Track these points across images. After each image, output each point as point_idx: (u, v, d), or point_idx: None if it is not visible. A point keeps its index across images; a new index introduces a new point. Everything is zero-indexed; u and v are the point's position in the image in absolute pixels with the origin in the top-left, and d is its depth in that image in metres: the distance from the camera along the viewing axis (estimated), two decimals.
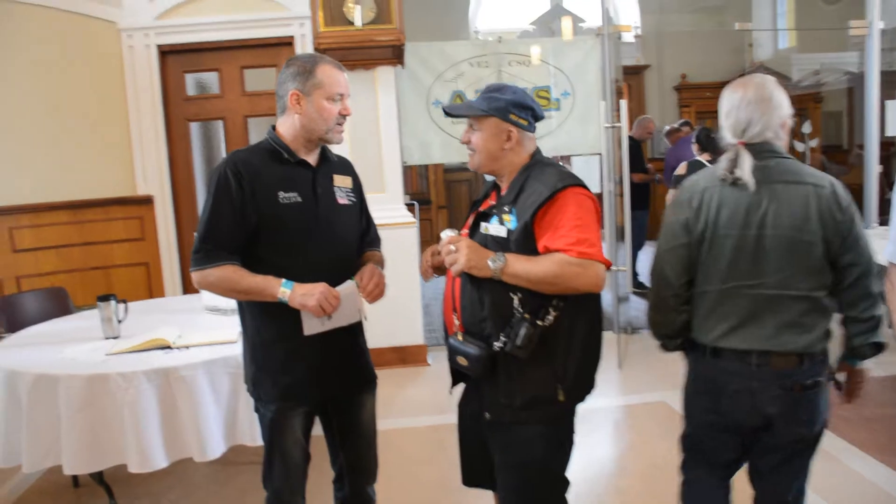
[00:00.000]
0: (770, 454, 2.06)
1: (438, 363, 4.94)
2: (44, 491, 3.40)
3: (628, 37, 9.33)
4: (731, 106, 2.02)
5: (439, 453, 3.53)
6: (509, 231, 1.88)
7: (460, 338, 1.95)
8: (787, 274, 1.92)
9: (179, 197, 5.38)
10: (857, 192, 4.81)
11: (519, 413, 1.92)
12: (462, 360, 1.93)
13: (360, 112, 4.83)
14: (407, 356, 5.04)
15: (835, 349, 2.04)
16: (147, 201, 5.25)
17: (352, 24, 4.67)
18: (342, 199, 2.21)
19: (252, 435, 2.73)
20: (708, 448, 2.14)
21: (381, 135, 4.94)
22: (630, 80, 9.93)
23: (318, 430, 2.31)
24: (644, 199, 6.87)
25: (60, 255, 5.07)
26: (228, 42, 5.16)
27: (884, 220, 5.13)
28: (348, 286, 2.11)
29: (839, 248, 1.92)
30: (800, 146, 7.85)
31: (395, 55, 4.82)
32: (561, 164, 2.17)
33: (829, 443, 3.29)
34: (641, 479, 3.30)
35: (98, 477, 3.13)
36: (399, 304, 4.42)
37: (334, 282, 2.07)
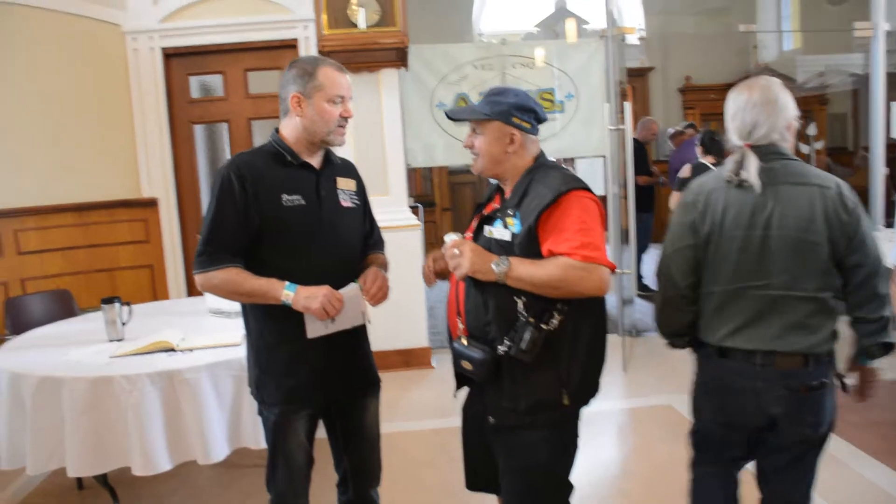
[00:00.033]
0: (775, 455, 2.06)
1: (442, 366, 4.93)
2: (48, 493, 3.40)
3: (632, 39, 9.34)
4: (737, 108, 2.03)
5: (443, 457, 3.53)
6: (513, 235, 1.88)
7: (464, 342, 1.94)
8: (793, 275, 1.92)
9: (184, 199, 5.38)
10: (863, 195, 4.77)
11: (523, 417, 1.92)
12: (466, 364, 1.93)
13: (364, 115, 4.84)
14: (411, 359, 5.03)
15: (842, 350, 2.04)
16: (151, 204, 5.26)
17: (355, 26, 4.68)
18: (345, 202, 2.20)
19: (256, 438, 2.72)
20: (715, 446, 2.16)
21: (385, 137, 4.94)
22: (634, 83, 9.92)
23: (321, 432, 2.31)
24: (649, 201, 6.85)
25: (65, 257, 5.08)
26: (232, 45, 5.17)
27: (889, 222, 5.11)
28: (351, 289, 2.10)
29: (845, 248, 1.92)
30: (805, 148, 7.82)
31: (398, 58, 4.82)
32: (564, 166, 2.16)
33: (837, 447, 3.27)
34: (646, 483, 3.29)
35: (102, 479, 3.13)
36: (403, 306, 4.41)
37: (338, 285, 2.07)
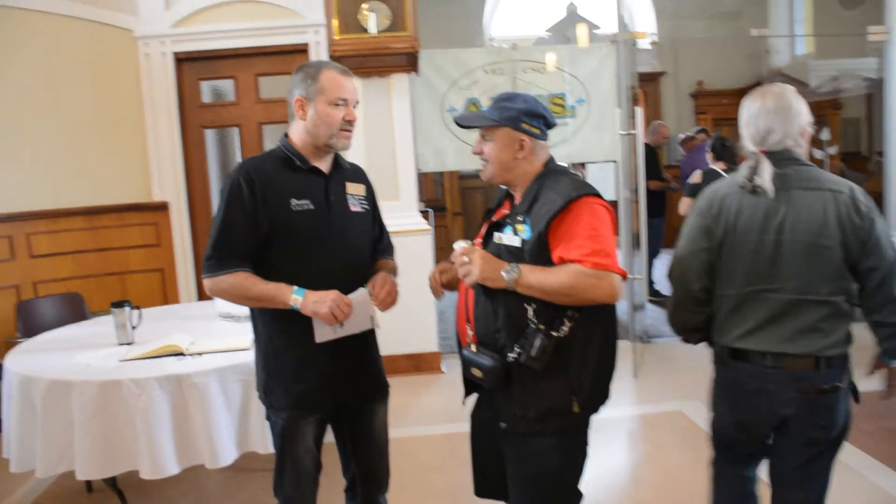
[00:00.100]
0: (787, 457, 2.07)
1: (452, 371, 4.92)
2: (57, 496, 3.41)
3: (644, 43, 9.32)
4: (751, 115, 2.05)
5: (453, 461, 3.51)
6: (523, 241, 1.86)
7: (474, 349, 1.93)
8: (805, 279, 1.94)
9: (195, 203, 5.40)
10: (878, 200, 4.75)
11: (533, 424, 1.90)
12: (476, 372, 1.91)
13: (374, 119, 4.85)
14: (421, 364, 5.03)
15: (856, 355, 2.04)
16: (162, 207, 5.28)
17: (366, 31, 4.69)
18: (355, 207, 2.20)
19: (264, 442, 2.72)
20: (731, 445, 2.20)
21: (396, 142, 4.94)
22: (646, 87, 9.88)
23: (329, 437, 2.30)
24: (660, 206, 6.82)
25: (76, 260, 5.10)
26: (244, 49, 5.19)
27: None
28: (360, 294, 2.10)
29: (859, 252, 1.93)
30: (818, 153, 7.77)
31: (409, 62, 4.82)
32: (574, 172, 2.15)
33: (851, 455, 3.24)
34: (656, 490, 3.26)
35: (111, 483, 3.13)
36: (413, 311, 4.40)
37: (346, 289, 2.06)
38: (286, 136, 2.16)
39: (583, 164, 8.05)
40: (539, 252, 1.83)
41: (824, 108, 9.23)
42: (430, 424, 4.09)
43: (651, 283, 6.65)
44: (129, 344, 3.08)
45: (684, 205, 5.27)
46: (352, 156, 2.23)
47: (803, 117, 2.02)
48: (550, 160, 1.99)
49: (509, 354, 1.85)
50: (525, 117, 1.92)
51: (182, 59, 5.23)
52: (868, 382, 2.15)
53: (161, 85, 5.18)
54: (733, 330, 2.04)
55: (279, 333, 2.12)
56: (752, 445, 2.14)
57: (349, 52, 4.64)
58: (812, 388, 1.95)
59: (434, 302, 5.00)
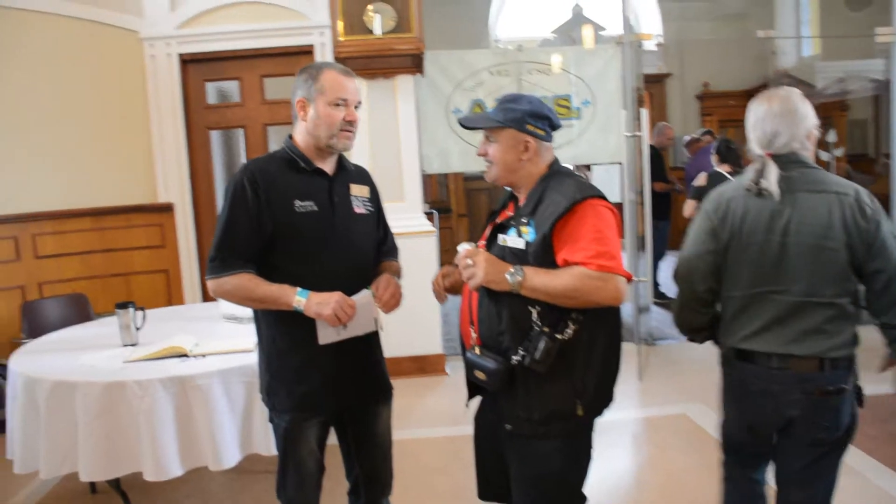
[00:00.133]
0: (792, 457, 2.07)
1: (457, 373, 4.91)
2: (61, 497, 3.41)
3: (650, 45, 9.27)
4: (757, 118, 2.07)
5: (456, 464, 3.50)
6: (527, 243, 1.85)
7: (478, 351, 1.92)
8: (811, 281, 1.95)
9: (200, 205, 5.40)
10: (884, 202, 4.72)
11: (537, 427, 1.89)
12: (480, 374, 1.90)
13: (379, 120, 4.84)
14: (425, 365, 5.02)
15: (863, 357, 2.04)
16: (167, 209, 5.29)
17: (371, 32, 4.68)
18: (359, 209, 2.19)
19: (267, 444, 2.71)
20: (739, 446, 2.22)
21: (401, 143, 4.93)
22: (652, 89, 9.86)
23: (332, 439, 2.30)
24: (665, 208, 6.81)
25: (82, 261, 5.11)
26: (249, 51, 5.20)
27: None
28: (364, 295, 2.09)
29: (865, 254, 1.94)
30: (825, 155, 7.74)
31: (414, 64, 4.81)
32: (579, 174, 2.14)
33: (855, 459, 3.22)
34: (660, 493, 3.24)
35: (115, 484, 3.13)
36: (418, 313, 4.38)
37: (350, 291, 2.06)
38: (290, 137, 2.16)
39: (588, 166, 8.00)
40: (543, 254, 1.82)
41: (831, 110, 9.19)
42: (433, 426, 4.09)
43: (656, 285, 6.63)
44: (133, 345, 3.08)
45: (689, 207, 5.25)
46: (356, 157, 2.23)
47: (809, 120, 2.04)
48: (555, 162, 1.99)
49: (513, 357, 1.84)
50: (530, 119, 1.91)
51: (187, 61, 5.24)
52: (875, 386, 2.14)
53: (166, 86, 5.19)
54: (739, 331, 2.05)
55: (282, 335, 2.12)
56: (760, 446, 2.15)
57: (354, 54, 4.64)
58: (816, 390, 1.96)
59: (439, 304, 4.98)
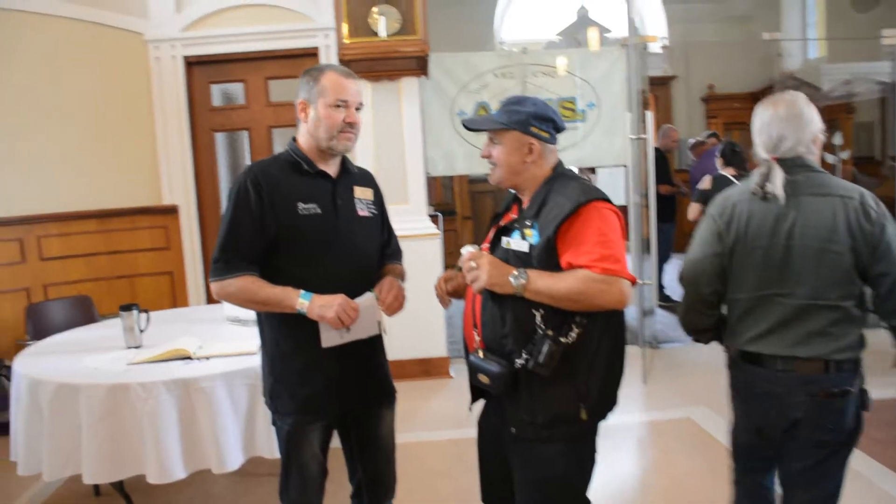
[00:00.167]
0: (797, 458, 2.07)
1: (461, 376, 4.90)
2: (64, 499, 3.41)
3: (655, 47, 9.26)
4: (763, 123, 2.08)
5: (460, 467, 3.49)
6: (531, 246, 1.85)
7: (481, 355, 1.91)
8: (815, 284, 1.96)
9: (204, 207, 5.41)
10: (890, 205, 4.70)
11: (541, 431, 1.88)
12: (483, 378, 1.89)
13: (384, 123, 4.84)
14: (430, 368, 5.01)
15: (870, 360, 2.03)
16: (172, 211, 5.30)
17: (376, 35, 4.68)
18: (362, 211, 2.19)
19: (270, 447, 2.71)
20: (747, 449, 2.22)
21: (405, 146, 4.93)
22: (657, 91, 9.84)
23: (336, 443, 2.29)
24: (670, 211, 6.78)
25: (87, 263, 5.12)
26: (254, 53, 5.21)
27: None
28: (367, 298, 2.09)
29: (869, 258, 1.94)
30: (831, 158, 7.70)
31: (419, 66, 4.81)
32: (584, 176, 2.14)
33: (861, 463, 3.21)
34: (664, 497, 3.23)
35: (118, 486, 3.13)
36: (421, 315, 4.37)
37: (353, 294, 2.06)
38: (294, 139, 2.16)
39: (592, 169, 8.01)
40: (547, 257, 1.81)
41: (837, 113, 9.15)
42: (437, 429, 4.07)
43: (661, 288, 6.61)
44: (137, 347, 3.08)
45: (693, 210, 5.24)
46: (361, 159, 2.23)
47: (815, 124, 2.05)
48: (559, 164, 1.98)
49: (517, 360, 1.83)
50: (534, 121, 1.91)
51: (192, 63, 5.26)
52: (881, 390, 2.12)
53: (171, 88, 5.21)
54: (745, 333, 2.06)
55: (286, 338, 2.12)
56: (769, 450, 2.15)
57: (359, 56, 4.63)
58: (821, 392, 1.96)
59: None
